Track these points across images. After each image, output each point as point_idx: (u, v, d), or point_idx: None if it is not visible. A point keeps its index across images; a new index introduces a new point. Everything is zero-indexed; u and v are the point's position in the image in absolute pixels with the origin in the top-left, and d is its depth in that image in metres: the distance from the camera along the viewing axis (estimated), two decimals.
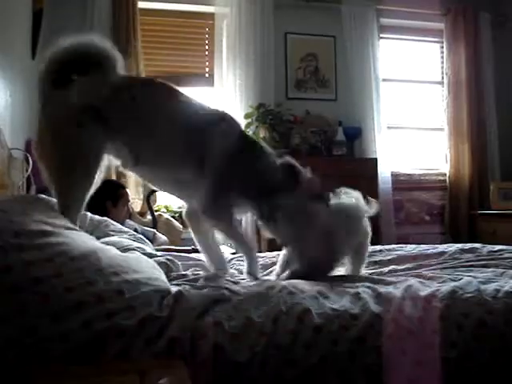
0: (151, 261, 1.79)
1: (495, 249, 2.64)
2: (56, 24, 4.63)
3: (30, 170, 3.09)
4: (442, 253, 2.59)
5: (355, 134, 5.26)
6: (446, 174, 5.73)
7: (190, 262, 2.40)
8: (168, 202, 4.97)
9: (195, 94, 5.12)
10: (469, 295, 1.57)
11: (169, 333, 1.30)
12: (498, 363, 1.40)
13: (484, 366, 1.39)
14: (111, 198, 3.43)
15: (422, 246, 2.87)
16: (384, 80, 5.64)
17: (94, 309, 1.30)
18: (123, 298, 1.35)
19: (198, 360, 1.27)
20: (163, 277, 1.67)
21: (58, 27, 4.65)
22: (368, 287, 1.67)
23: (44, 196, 1.96)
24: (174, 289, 1.51)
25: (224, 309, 1.43)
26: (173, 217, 4.70)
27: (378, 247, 2.91)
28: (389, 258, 2.57)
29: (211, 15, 5.22)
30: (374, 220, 4.79)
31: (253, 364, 1.29)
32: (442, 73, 5.92)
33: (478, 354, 1.39)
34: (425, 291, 1.59)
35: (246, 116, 4.92)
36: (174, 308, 1.39)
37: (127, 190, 3.77)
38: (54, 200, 1.84)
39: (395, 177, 5.48)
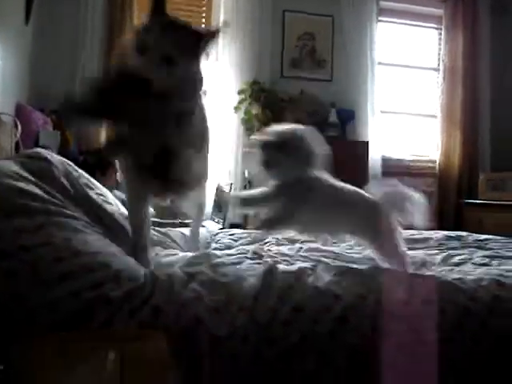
0: None
1: (481, 238, 2.66)
2: None
3: (18, 134, 3.06)
4: (428, 239, 2.61)
5: (348, 117, 5.23)
6: (436, 161, 5.73)
7: None
8: None
9: None
10: (453, 281, 1.58)
11: (153, 302, 1.31)
12: (481, 351, 1.41)
13: (467, 353, 1.40)
14: (100, 168, 3.53)
15: (408, 231, 2.88)
16: (380, 63, 5.61)
17: (83, 278, 1.30)
18: (110, 270, 1.37)
19: (180, 331, 1.28)
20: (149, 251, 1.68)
21: None
22: (351, 267, 1.68)
23: (41, 151, 1.92)
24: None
25: (205, 283, 1.43)
26: None
27: None
28: None
29: None
30: None
31: (233, 339, 1.29)
32: (439, 59, 5.89)
33: (459, 340, 1.40)
34: (409, 274, 1.60)
35: (240, 92, 4.90)
36: (158, 279, 1.39)
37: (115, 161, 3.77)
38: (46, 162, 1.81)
39: (386, 161, 5.47)
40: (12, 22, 3.52)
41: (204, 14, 5.26)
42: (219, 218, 4.45)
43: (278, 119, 4.92)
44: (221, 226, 4.13)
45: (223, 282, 1.45)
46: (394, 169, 5.53)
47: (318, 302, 1.41)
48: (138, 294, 1.33)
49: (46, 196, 1.53)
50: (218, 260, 1.77)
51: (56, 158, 1.88)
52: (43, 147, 3.47)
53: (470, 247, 2.41)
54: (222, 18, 5.11)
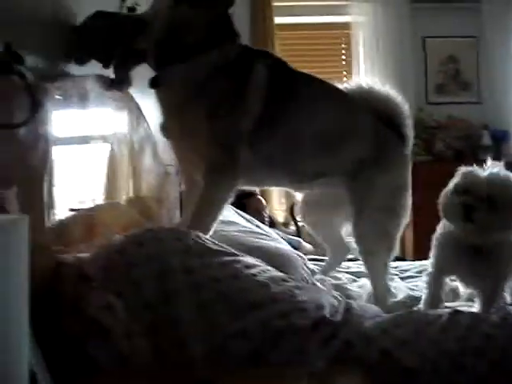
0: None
1: None
2: None
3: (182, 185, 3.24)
4: None
5: (503, 137, 5.00)
6: None
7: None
8: None
9: None
10: None
11: (342, 335, 1.33)
12: None
13: None
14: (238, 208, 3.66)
15: None
16: None
17: (270, 308, 1.35)
18: (296, 301, 1.41)
19: (369, 364, 1.28)
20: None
21: None
22: None
23: None
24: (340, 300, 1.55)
25: (390, 317, 1.44)
26: None
27: None
28: None
29: (347, 25, 5.22)
30: None
31: (424, 370, 1.29)
32: None
33: None
34: None
35: None
36: (346, 314, 1.41)
37: (258, 198, 3.89)
38: None
39: None
40: None
41: (344, 45, 5.34)
42: None
43: (429, 147, 4.85)
44: None
45: (408, 316, 1.44)
46: None
47: (506, 331, 1.36)
48: (327, 324, 1.35)
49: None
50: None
51: None
52: None
53: None
54: (362, 51, 5.16)
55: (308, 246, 3.84)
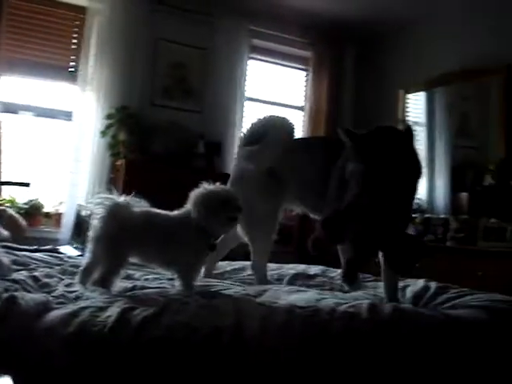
0: None
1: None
2: None
3: None
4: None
5: (216, 148, 5.30)
6: None
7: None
8: (13, 196, 4.74)
9: (55, 88, 4.99)
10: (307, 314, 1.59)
11: (2, 336, 1.24)
12: None
13: None
14: None
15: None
16: (249, 99, 5.78)
17: None
18: None
19: (28, 365, 1.23)
20: None
21: None
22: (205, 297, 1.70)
23: None
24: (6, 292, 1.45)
25: (58, 315, 1.38)
26: (18, 213, 4.47)
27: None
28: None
29: (83, 9, 5.07)
30: None
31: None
32: (305, 99, 6.17)
33: None
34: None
35: (107, 117, 4.83)
36: (7, 310, 1.32)
37: None
38: None
39: None
40: None
41: (77, 28, 5.14)
42: (78, 244, 4.30)
43: (147, 147, 4.92)
44: (80, 253, 3.99)
45: (75, 313, 1.40)
46: None
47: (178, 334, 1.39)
48: None
49: None
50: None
51: None
52: None
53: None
54: (94, 38, 5.03)
55: (5, 233, 3.60)
